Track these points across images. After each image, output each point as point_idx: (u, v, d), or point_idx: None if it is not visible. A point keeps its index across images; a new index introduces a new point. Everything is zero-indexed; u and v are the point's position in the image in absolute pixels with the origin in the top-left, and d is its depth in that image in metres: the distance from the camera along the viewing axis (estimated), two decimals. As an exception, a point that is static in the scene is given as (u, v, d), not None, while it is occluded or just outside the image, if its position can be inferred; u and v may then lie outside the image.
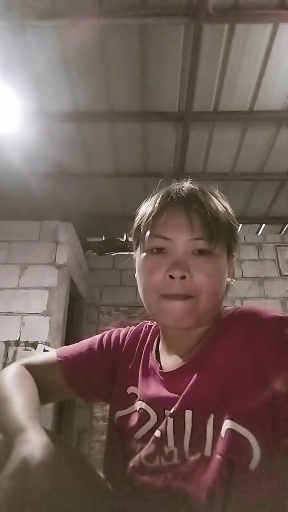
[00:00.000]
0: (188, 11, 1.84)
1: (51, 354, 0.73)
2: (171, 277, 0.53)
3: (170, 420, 0.53)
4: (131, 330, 0.73)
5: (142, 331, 0.72)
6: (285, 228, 4.04)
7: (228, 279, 0.59)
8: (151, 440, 0.55)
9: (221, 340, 0.54)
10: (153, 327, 0.71)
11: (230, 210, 0.60)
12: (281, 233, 4.09)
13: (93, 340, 0.74)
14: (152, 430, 0.56)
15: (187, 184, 0.60)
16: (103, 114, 2.48)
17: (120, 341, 0.71)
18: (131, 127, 2.60)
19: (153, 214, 0.57)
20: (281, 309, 3.55)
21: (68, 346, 0.75)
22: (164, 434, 0.54)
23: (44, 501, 0.41)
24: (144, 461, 0.55)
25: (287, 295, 3.62)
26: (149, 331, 0.70)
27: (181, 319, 0.53)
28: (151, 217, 0.57)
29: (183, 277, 0.52)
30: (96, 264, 4.13)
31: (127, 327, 0.75)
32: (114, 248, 4.03)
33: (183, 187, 0.59)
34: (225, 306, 0.62)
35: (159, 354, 0.64)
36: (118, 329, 0.75)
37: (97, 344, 0.72)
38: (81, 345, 0.73)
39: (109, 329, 0.75)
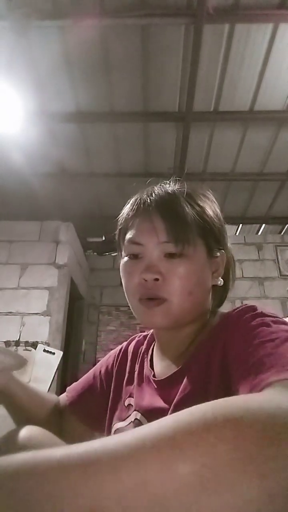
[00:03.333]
0: (189, 11, 1.84)
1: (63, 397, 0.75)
2: (145, 280, 0.55)
3: None
4: (122, 347, 0.75)
5: (135, 341, 0.73)
6: (285, 228, 4.04)
7: (216, 279, 0.59)
8: None
9: (209, 347, 0.53)
10: (149, 335, 0.72)
11: (209, 209, 0.60)
12: (281, 233, 4.09)
13: (89, 375, 0.75)
14: None
15: (157, 188, 0.60)
16: (104, 114, 2.48)
17: (110, 365, 0.73)
18: (132, 127, 2.60)
19: (125, 220, 0.60)
20: (281, 309, 3.55)
21: (74, 384, 0.76)
22: None
23: None
24: None
25: (287, 295, 3.62)
26: (145, 340, 0.71)
27: (157, 321, 0.55)
28: (123, 224, 0.61)
29: (156, 280, 0.54)
30: (96, 264, 4.13)
31: (120, 345, 0.76)
32: (114, 248, 4.01)
33: (153, 192, 0.59)
34: (213, 311, 0.61)
35: (153, 362, 0.64)
36: (109, 353, 0.77)
37: (92, 378, 0.74)
38: (82, 382, 0.75)
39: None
